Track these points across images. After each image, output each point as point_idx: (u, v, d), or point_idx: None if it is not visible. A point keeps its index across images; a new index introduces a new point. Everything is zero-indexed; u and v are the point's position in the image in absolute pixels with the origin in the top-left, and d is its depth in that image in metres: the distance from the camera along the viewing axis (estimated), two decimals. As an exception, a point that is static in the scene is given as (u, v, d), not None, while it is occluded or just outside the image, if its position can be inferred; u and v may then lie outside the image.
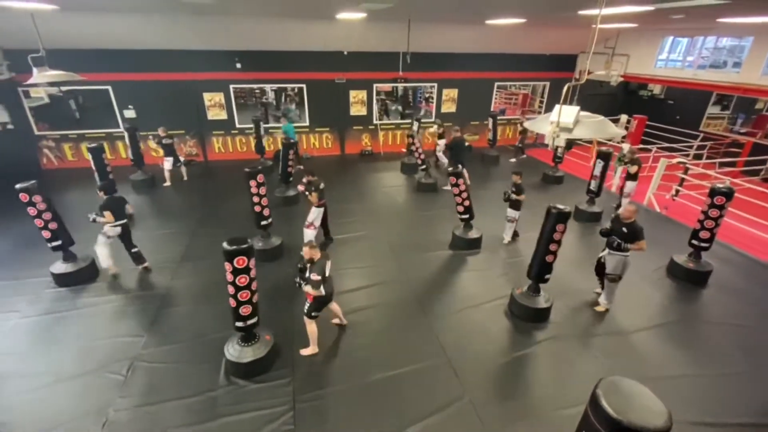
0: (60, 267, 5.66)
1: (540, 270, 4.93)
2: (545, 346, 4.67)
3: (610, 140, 10.94)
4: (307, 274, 4.11)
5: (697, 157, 11.08)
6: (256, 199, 6.00)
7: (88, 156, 7.38)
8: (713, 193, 5.51)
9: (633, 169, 7.53)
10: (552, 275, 5.01)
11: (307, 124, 11.62)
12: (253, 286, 4.00)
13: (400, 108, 12.84)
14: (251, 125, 10.44)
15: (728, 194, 5.43)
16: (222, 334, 4.49)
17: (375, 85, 11.61)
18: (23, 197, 5.19)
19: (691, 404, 3.89)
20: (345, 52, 10.84)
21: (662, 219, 8.06)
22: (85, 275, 5.71)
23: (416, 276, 6.02)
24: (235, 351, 4.21)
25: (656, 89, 13.44)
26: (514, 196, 6.45)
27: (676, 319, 5.15)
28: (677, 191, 8.81)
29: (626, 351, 4.62)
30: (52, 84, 6.15)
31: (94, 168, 7.34)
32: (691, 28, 10.17)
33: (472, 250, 6.67)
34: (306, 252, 4.16)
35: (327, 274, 4.20)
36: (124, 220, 5.67)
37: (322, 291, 4.16)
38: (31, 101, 9.67)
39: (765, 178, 10.03)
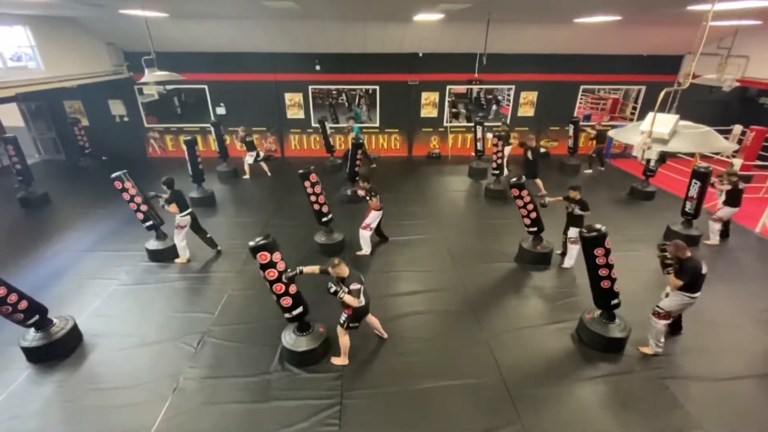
0: (153, 244, 6.41)
1: (600, 297, 4.46)
2: (615, 380, 4.18)
3: (717, 154, 9.56)
4: (345, 289, 3.91)
5: (836, 179, 9.15)
6: (312, 198, 6.21)
7: (184, 147, 8.25)
8: None
9: (734, 197, 6.44)
10: (631, 302, 4.49)
11: (377, 125, 11.80)
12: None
13: (464, 111, 12.41)
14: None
15: None
16: (281, 321, 4.67)
17: (448, 87, 11.41)
18: (117, 185, 5.91)
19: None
20: (420, 54, 10.81)
21: (780, 250, 6.80)
22: (174, 253, 6.37)
23: (475, 286, 5.79)
24: (291, 339, 4.40)
25: (784, 96, 11.39)
26: (548, 200, 5.95)
27: (791, 372, 4.30)
28: (803, 218, 7.37)
29: (718, 400, 3.95)
30: (158, 83, 6.98)
31: (187, 158, 8.20)
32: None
33: (540, 266, 6.23)
34: (333, 272, 3.96)
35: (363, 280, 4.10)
36: (190, 209, 6.22)
37: (362, 300, 4.05)
38: (144, 97, 11.10)
39: None
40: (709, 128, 2.53)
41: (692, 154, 9.34)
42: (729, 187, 6.51)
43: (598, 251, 4.24)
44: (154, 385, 4.12)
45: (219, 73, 10.80)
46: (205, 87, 11.00)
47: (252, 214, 8.19)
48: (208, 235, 6.54)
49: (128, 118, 11.25)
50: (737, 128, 10.72)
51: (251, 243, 3.99)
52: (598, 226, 4.28)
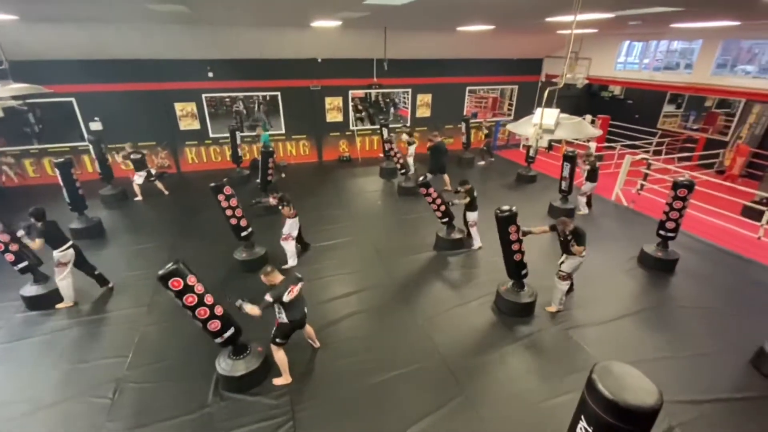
0: (30, 290, 5.36)
1: (513, 269, 5.13)
2: (531, 339, 4.85)
3: (587, 140, 11.47)
4: (246, 303, 3.80)
5: (657, 153, 11.78)
6: (228, 212, 5.83)
7: (54, 172, 7.00)
8: (676, 186, 5.90)
9: (592, 174, 7.95)
10: (533, 270, 5.22)
11: (283, 131, 11.53)
12: (207, 300, 3.77)
13: (364, 114, 12.87)
14: (226, 135, 10.24)
15: (690, 186, 5.83)
16: (211, 348, 4.34)
17: (350, 92, 11.68)
18: None
19: (670, 384, 4.14)
20: (319, 59, 10.86)
21: (630, 212, 8.53)
22: (59, 297, 5.39)
23: (404, 278, 6.10)
24: (227, 365, 4.12)
25: (617, 90, 14.19)
26: (456, 201, 6.68)
27: (651, 306, 5.47)
28: (642, 186, 9.35)
29: (608, 338, 4.87)
30: (15, 97, 5.79)
31: (62, 184, 6.97)
32: (646, 33, 10.86)
33: (457, 251, 6.83)
34: (265, 280, 3.89)
35: (288, 299, 3.84)
36: (71, 242, 5.33)
37: (283, 318, 3.94)
38: (-14, 116, 9.12)
39: (719, 171, 10.78)
40: (581, 119, 3.14)
41: (560, 141, 11.10)
42: (589, 167, 7.95)
43: (512, 228, 4.84)
44: (63, 452, 3.51)
45: (91, 84, 9.38)
46: (73, 100, 9.47)
47: (153, 239, 7.34)
48: (97, 272, 5.67)
49: (-35, 142, 9.13)
50: (588, 118, 13.04)
51: (160, 272, 3.56)
52: (508, 206, 4.84)
